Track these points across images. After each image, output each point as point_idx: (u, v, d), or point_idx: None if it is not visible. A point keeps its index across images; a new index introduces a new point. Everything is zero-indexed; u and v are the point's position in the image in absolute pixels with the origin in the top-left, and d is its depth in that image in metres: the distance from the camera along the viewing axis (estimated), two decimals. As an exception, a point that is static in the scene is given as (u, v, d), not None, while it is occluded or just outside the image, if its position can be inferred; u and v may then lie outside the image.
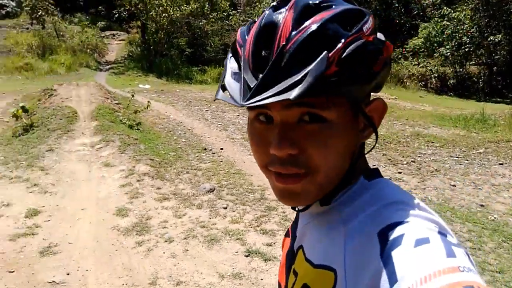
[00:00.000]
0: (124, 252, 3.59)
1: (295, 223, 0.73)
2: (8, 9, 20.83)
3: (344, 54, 0.48)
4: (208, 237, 3.85)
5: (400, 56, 18.86)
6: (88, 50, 18.05)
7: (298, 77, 0.48)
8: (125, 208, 4.39)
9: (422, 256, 0.43)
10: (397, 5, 21.83)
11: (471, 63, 17.11)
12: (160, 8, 16.46)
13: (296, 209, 0.66)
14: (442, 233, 0.48)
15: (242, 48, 0.55)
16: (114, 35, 22.47)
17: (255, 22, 0.56)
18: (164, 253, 3.59)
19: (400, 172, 5.77)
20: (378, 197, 0.56)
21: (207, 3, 18.16)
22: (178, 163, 5.94)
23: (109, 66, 17.88)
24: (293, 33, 0.50)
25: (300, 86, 0.47)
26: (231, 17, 21.03)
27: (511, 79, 16.05)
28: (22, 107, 7.10)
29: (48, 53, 16.14)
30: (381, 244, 0.48)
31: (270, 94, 0.48)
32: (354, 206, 0.57)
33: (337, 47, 0.48)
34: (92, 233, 3.90)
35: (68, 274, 3.27)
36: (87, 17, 23.78)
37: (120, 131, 6.74)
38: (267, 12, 0.54)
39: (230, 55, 0.59)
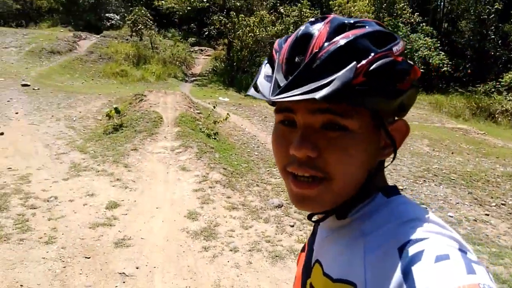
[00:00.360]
0: (191, 255, 3.67)
1: (312, 237, 0.74)
2: (112, 22, 23.21)
3: (372, 67, 0.51)
4: (273, 253, 3.79)
5: (493, 89, 17.46)
6: (177, 62, 19.25)
7: (326, 80, 0.50)
8: (195, 212, 4.51)
9: (442, 272, 0.44)
10: (493, 36, 20.37)
11: None
12: (247, 28, 17.13)
13: (313, 219, 0.65)
14: (463, 250, 0.48)
15: (277, 53, 0.59)
16: (202, 50, 23.78)
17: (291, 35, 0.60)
18: (228, 261, 3.60)
19: (487, 214, 5.23)
20: (396, 213, 0.56)
21: (292, 25, 18.49)
22: (249, 175, 5.99)
23: (194, 78, 18.87)
24: (326, 43, 0.53)
25: (327, 88, 0.50)
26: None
27: None
28: (115, 108, 7.75)
29: (142, 62, 17.53)
30: (401, 259, 0.48)
31: (298, 92, 0.51)
32: (372, 222, 0.57)
33: (366, 60, 0.51)
34: (164, 232, 4.06)
35: (137, 268, 3.41)
36: (180, 32, 25.48)
37: (198, 138, 7.02)
38: (303, 26, 0.57)
39: (265, 61, 0.62)
